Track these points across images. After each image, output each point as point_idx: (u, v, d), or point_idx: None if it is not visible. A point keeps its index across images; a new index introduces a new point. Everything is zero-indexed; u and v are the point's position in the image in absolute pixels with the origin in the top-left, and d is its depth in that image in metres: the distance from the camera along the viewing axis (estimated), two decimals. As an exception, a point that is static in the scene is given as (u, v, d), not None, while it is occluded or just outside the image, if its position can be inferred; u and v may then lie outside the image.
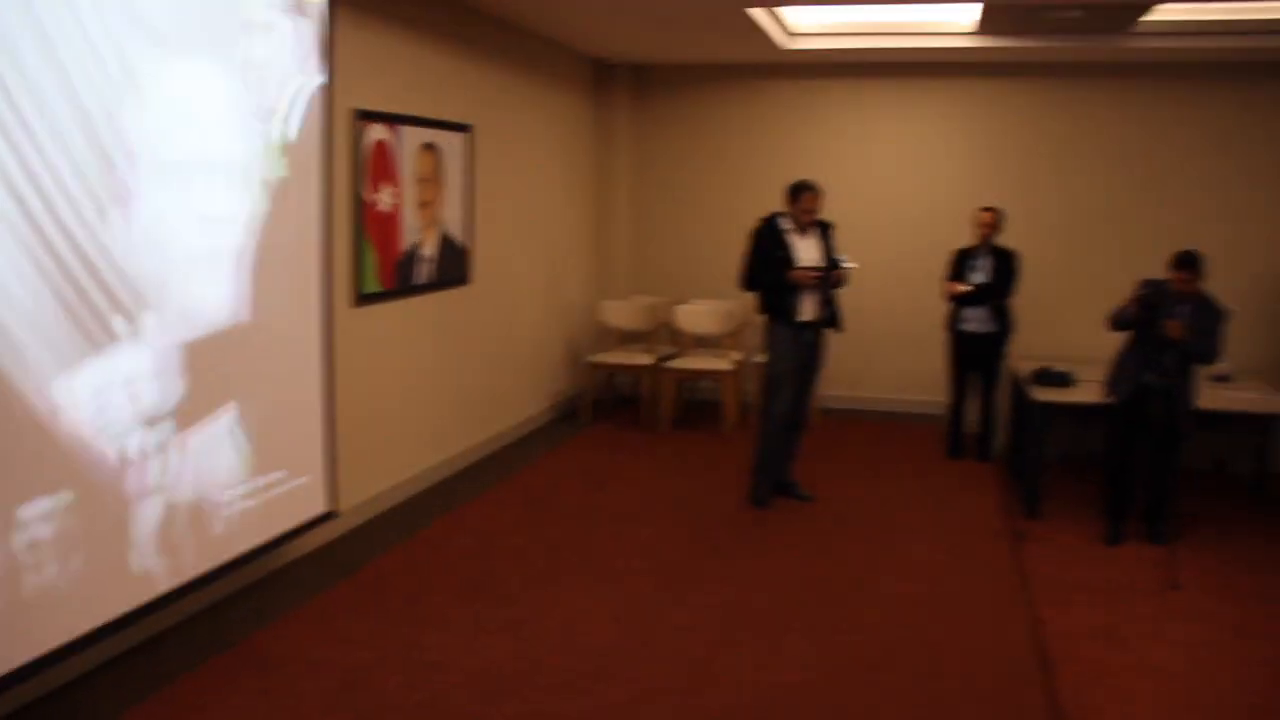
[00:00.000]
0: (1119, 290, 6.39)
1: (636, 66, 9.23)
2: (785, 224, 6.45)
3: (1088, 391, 6.73)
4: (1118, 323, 6.25)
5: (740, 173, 9.06)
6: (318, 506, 5.29)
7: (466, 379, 7.22)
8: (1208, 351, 6.14)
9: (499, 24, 7.30)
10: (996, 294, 7.61)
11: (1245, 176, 8.39)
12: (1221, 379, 7.54)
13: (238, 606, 4.96)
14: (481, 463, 7.43)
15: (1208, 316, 6.12)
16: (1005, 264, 7.63)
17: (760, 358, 7.59)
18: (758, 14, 7.07)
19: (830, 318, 6.56)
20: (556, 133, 8.54)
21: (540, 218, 8.29)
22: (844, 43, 8.14)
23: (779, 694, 4.20)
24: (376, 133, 6.02)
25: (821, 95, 8.96)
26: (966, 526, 6.42)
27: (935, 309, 7.99)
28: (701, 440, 8.20)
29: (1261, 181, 8.36)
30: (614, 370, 8.81)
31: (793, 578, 5.48)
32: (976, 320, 7.70)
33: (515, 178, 7.82)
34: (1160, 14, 7.14)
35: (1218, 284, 6.44)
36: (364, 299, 5.96)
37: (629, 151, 9.35)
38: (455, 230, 6.92)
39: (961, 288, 7.64)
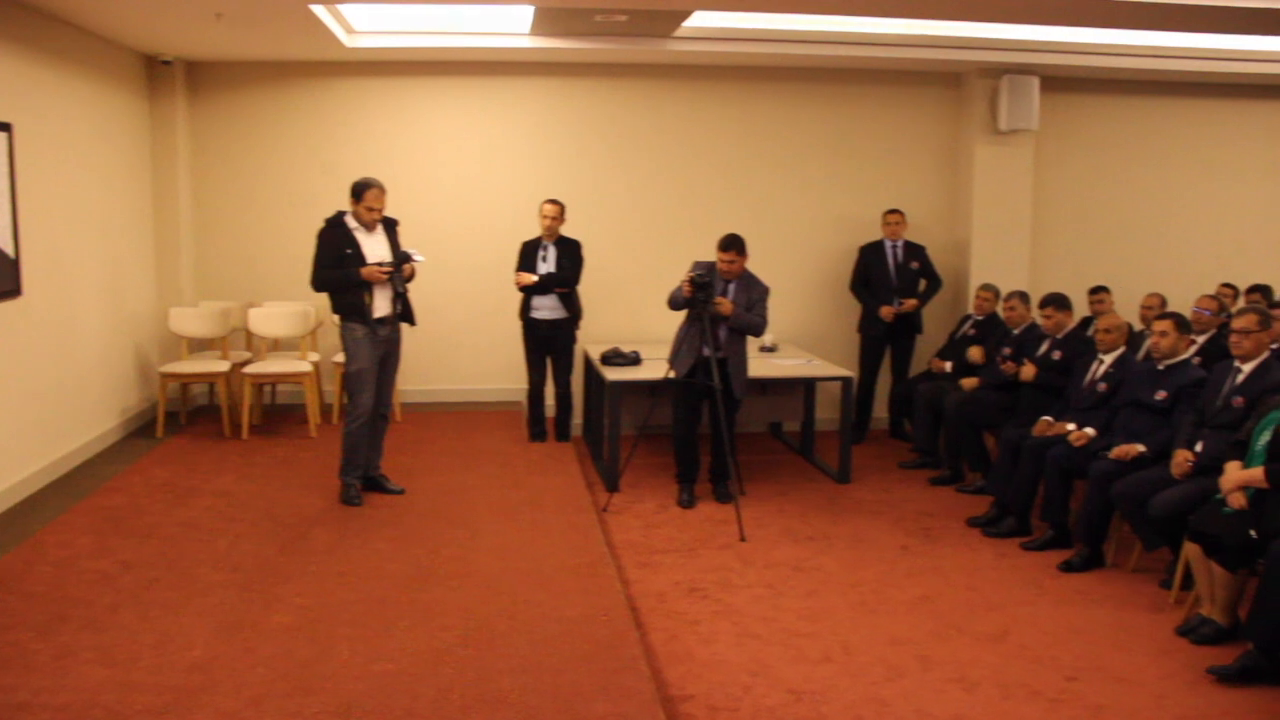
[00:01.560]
0: (676, 273, 6.94)
1: (194, 63, 8.86)
2: (352, 223, 6.47)
3: (654, 369, 7.25)
4: (675, 303, 6.81)
5: (309, 172, 8.92)
6: None
7: (23, 400, 6.70)
8: (755, 325, 6.84)
9: (35, 14, 6.81)
10: (563, 282, 8.01)
11: (780, 169, 9.29)
12: (769, 349, 8.38)
13: None
14: (52, 486, 6.92)
15: (753, 293, 6.83)
16: (570, 253, 8.05)
17: (339, 358, 7.57)
18: (319, 10, 7.02)
19: (403, 313, 6.67)
20: (108, 132, 8.04)
21: (96, 223, 7.78)
22: (405, 41, 8.24)
23: (389, 683, 4.26)
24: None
25: (389, 94, 8.99)
26: (554, 504, 6.73)
27: (509, 299, 8.28)
28: (285, 444, 8.05)
29: (794, 174, 9.29)
30: (188, 380, 8.45)
31: (392, 569, 5.53)
32: (547, 308, 8.06)
33: (66, 181, 7.31)
34: (698, 20, 7.80)
35: (760, 263, 7.14)
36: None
37: (190, 151, 8.96)
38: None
39: (530, 278, 7.97)
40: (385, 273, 6.38)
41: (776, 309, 7.59)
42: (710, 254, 6.85)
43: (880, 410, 9.20)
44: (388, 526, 6.19)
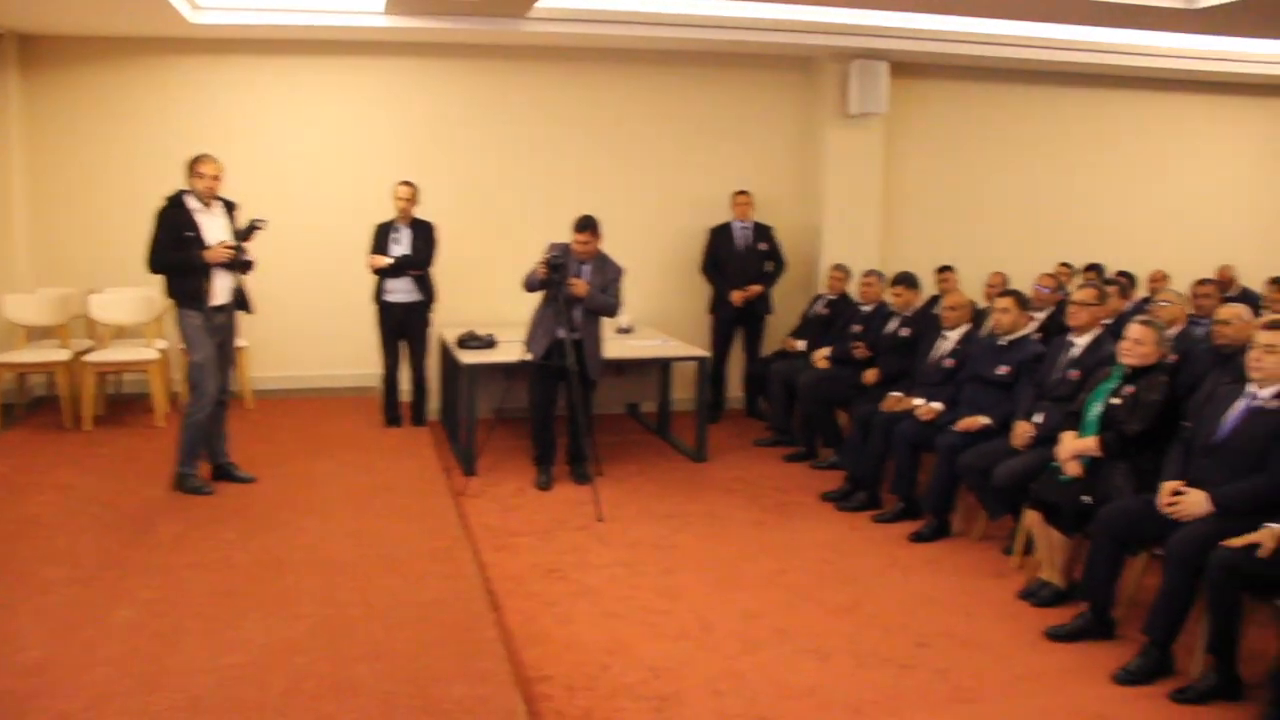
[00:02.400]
0: (531, 255, 6.90)
1: (28, 37, 8.44)
2: (193, 202, 6.25)
3: (510, 351, 7.20)
4: (530, 285, 6.78)
5: (152, 154, 8.53)
6: None
7: None
8: (610, 306, 6.85)
9: None
10: (417, 264, 7.90)
11: (635, 151, 9.30)
12: (625, 330, 8.40)
13: None
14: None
15: (608, 274, 6.84)
16: (424, 235, 7.94)
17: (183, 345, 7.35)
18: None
19: (240, 300, 6.49)
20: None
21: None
22: (253, 18, 8.00)
23: (238, 676, 4.14)
24: None
25: (238, 74, 8.68)
26: (409, 489, 6.65)
27: (363, 282, 8.13)
28: (130, 435, 7.77)
29: (649, 156, 9.31)
30: (25, 370, 8.09)
31: (241, 559, 5.38)
32: (401, 290, 7.95)
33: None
34: (552, 1, 7.76)
35: (615, 245, 7.14)
36: None
37: (24, 130, 8.51)
38: None
39: (383, 260, 7.85)
40: (229, 248, 6.20)
41: (633, 290, 7.62)
42: (566, 236, 6.83)
43: (735, 389, 9.31)
44: (237, 516, 6.03)
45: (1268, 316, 5.06)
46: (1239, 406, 4.61)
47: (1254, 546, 4.17)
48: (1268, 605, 4.26)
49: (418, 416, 8.24)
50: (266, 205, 7.33)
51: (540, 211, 8.90)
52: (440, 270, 8.10)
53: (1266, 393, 4.54)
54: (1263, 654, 4.46)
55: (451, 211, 8.64)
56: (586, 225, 6.76)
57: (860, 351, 7.41)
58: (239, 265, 6.34)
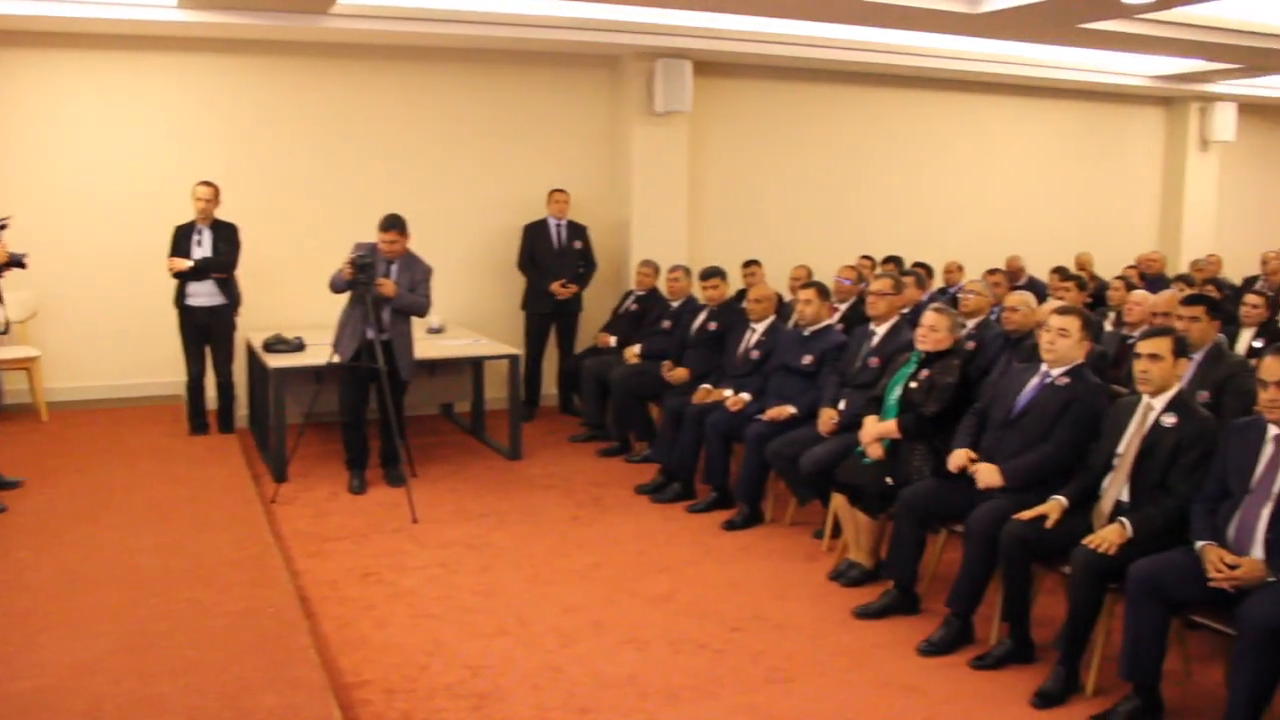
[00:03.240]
0: (338, 256, 6.75)
1: None
2: None
3: (319, 354, 7.06)
4: (337, 286, 6.66)
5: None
6: None
7: None
8: (419, 305, 6.80)
9: None
10: (220, 267, 7.66)
11: (442, 150, 9.20)
12: (437, 330, 8.33)
13: None
14: None
15: (415, 274, 6.78)
16: (226, 237, 7.69)
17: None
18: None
19: None
20: None
21: None
22: (34, 8, 7.53)
23: (32, 702, 3.92)
24: None
25: (23, 66, 8.16)
26: (216, 498, 6.42)
27: (164, 286, 7.82)
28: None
29: (456, 154, 9.22)
30: None
31: (35, 579, 5.09)
32: (203, 294, 7.67)
33: None
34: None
35: (424, 244, 7.07)
36: None
37: None
38: None
39: (184, 263, 7.58)
40: None
41: (442, 290, 7.56)
42: (372, 236, 6.74)
43: (550, 387, 9.34)
44: (30, 534, 5.72)
45: (1056, 302, 5.38)
46: (1032, 384, 4.89)
47: (1042, 518, 4.44)
48: (1056, 573, 4.54)
49: (225, 423, 7.99)
50: (55, 212, 7.05)
51: (348, 211, 8.69)
52: (245, 272, 7.86)
53: (1057, 372, 4.83)
54: (1052, 619, 4.72)
55: (256, 212, 8.37)
56: (393, 224, 6.68)
57: (675, 375, 7.44)
58: None
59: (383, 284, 6.56)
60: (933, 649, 4.68)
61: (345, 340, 6.71)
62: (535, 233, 8.98)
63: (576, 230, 9.04)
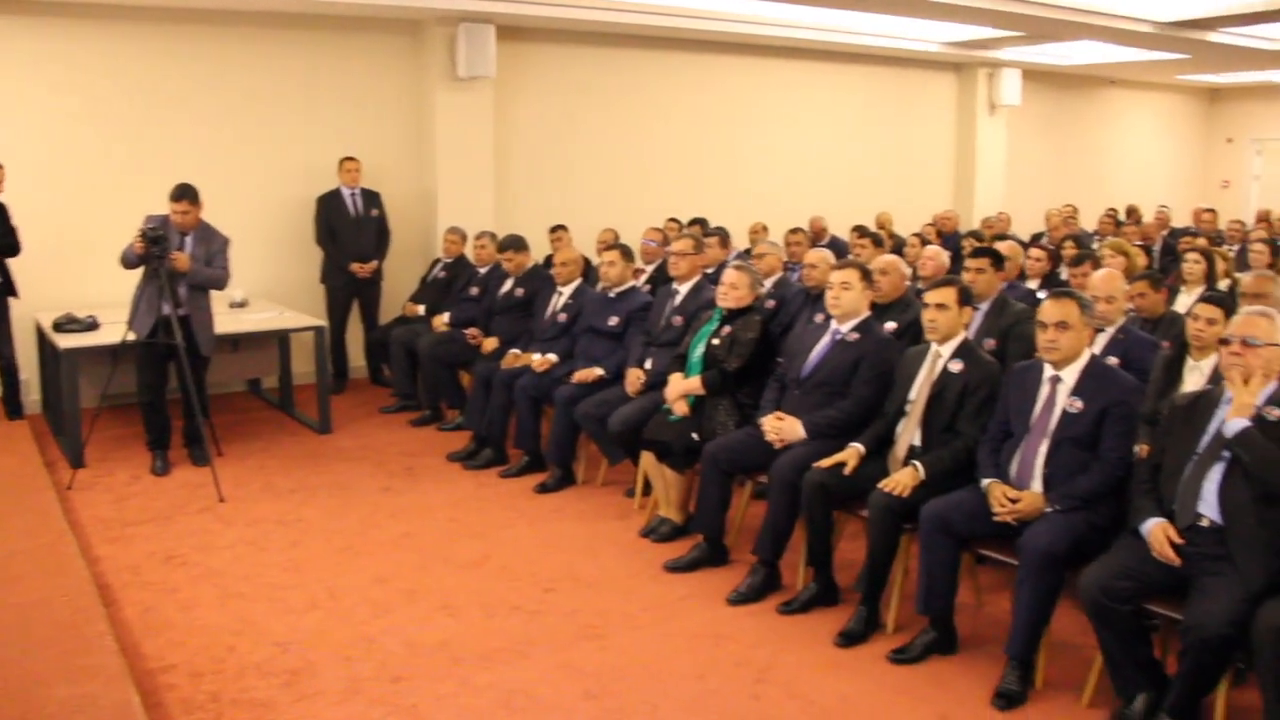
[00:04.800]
0: (128, 229, 6.47)
1: None
2: None
3: (113, 332, 6.78)
4: (128, 261, 6.38)
5: None
6: None
7: None
8: (216, 278, 6.59)
9: None
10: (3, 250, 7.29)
11: (237, 118, 8.83)
12: (239, 304, 8.09)
13: None
14: None
15: (212, 246, 6.54)
16: (-2, 218, 7.31)
17: None
18: None
19: None
20: None
21: None
22: None
23: None
24: None
25: None
26: (5, 487, 6.14)
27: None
28: None
29: (252, 123, 8.89)
30: None
31: None
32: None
33: None
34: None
35: (221, 215, 6.85)
36: None
37: None
38: None
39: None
40: None
41: (244, 262, 7.36)
42: (164, 208, 6.49)
43: (358, 359, 9.20)
44: None
45: (845, 260, 5.58)
46: (824, 342, 5.06)
47: (841, 465, 4.62)
48: (856, 517, 4.73)
49: (13, 409, 7.60)
50: None
51: (138, 182, 8.31)
52: (30, 250, 7.46)
53: (846, 327, 5.00)
54: (853, 562, 4.95)
55: (38, 185, 7.96)
56: (184, 194, 6.43)
57: (479, 341, 7.45)
58: None
59: (177, 257, 6.32)
60: (741, 598, 4.83)
61: (141, 317, 6.46)
62: (330, 203, 8.77)
63: (371, 198, 8.88)
